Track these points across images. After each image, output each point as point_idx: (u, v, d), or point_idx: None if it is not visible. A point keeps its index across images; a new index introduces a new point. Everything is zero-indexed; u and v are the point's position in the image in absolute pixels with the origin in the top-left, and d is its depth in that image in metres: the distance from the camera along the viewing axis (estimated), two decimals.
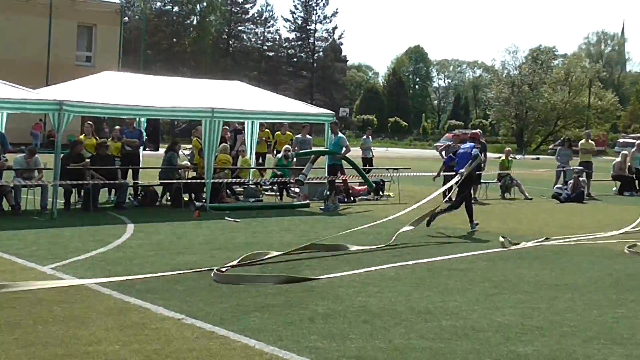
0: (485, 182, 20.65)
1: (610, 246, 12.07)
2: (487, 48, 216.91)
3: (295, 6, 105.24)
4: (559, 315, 7.22)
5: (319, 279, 8.70)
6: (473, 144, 14.08)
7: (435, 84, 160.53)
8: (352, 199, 18.50)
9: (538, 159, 59.86)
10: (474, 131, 17.39)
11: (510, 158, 22.23)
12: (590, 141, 24.11)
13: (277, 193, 18.46)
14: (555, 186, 21.70)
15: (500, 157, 22.86)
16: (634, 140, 40.73)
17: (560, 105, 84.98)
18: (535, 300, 7.87)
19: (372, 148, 26.17)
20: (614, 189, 23.82)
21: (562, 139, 43.11)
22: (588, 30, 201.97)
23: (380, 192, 19.70)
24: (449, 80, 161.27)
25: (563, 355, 5.96)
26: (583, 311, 7.43)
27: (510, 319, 7.01)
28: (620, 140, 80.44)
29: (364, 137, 26.82)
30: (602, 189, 23.69)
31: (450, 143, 21.60)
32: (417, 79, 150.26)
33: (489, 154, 21.05)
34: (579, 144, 24.26)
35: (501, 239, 11.76)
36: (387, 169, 22.74)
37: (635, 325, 6.91)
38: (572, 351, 6.06)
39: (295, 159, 19.36)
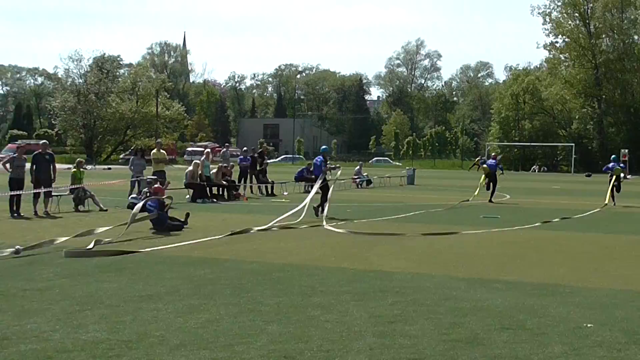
0: (57, 195, 19.95)
1: (189, 253, 12.35)
2: (49, 55, 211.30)
3: None
4: (144, 327, 7.10)
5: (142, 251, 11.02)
6: None
7: None
8: None
9: (110, 168, 59.77)
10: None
11: (82, 169, 21.74)
12: (161, 150, 24.62)
13: None
14: (130, 196, 21.73)
15: (71, 169, 22.23)
16: (202, 149, 42.72)
17: (129, 114, 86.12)
18: (120, 313, 7.66)
19: None
20: (187, 196, 24.66)
21: (132, 148, 43.60)
22: (151, 40, 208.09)
23: None
24: (8, 88, 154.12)
25: None
26: (168, 320, 7.41)
27: (96, 336, 6.72)
28: (189, 149, 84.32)
29: None
30: (176, 196, 24.32)
31: (14, 155, 20.33)
32: None
33: (58, 165, 20.35)
34: (151, 153, 24.64)
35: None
36: None
37: (218, 329, 7.06)
38: None
39: None
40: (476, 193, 26.84)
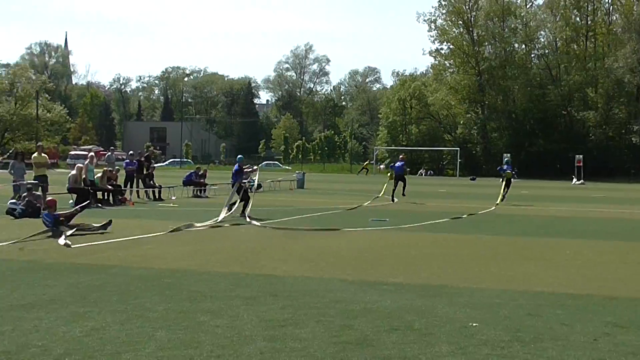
0: None
1: (73, 260, 11.95)
2: None
3: None
4: (25, 337, 6.81)
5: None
6: None
7: None
8: None
9: None
10: None
11: None
12: (43, 154, 23.78)
13: None
14: (10, 201, 20.89)
15: None
16: (86, 152, 41.59)
17: (7, 116, 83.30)
18: None
19: None
20: (71, 202, 23.86)
21: (11, 152, 41.98)
22: (30, 40, 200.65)
23: None
24: None
25: None
26: (51, 329, 7.13)
27: None
28: (72, 152, 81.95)
29: None
30: (59, 202, 23.54)
31: None
32: None
33: None
34: (32, 157, 23.77)
35: None
36: None
37: (104, 337, 6.84)
38: None
39: None
40: (381, 194, 30.10)
